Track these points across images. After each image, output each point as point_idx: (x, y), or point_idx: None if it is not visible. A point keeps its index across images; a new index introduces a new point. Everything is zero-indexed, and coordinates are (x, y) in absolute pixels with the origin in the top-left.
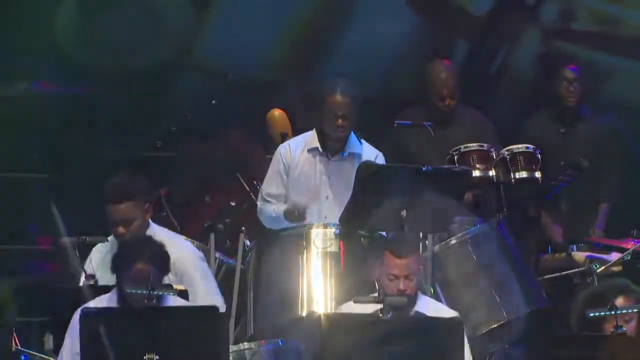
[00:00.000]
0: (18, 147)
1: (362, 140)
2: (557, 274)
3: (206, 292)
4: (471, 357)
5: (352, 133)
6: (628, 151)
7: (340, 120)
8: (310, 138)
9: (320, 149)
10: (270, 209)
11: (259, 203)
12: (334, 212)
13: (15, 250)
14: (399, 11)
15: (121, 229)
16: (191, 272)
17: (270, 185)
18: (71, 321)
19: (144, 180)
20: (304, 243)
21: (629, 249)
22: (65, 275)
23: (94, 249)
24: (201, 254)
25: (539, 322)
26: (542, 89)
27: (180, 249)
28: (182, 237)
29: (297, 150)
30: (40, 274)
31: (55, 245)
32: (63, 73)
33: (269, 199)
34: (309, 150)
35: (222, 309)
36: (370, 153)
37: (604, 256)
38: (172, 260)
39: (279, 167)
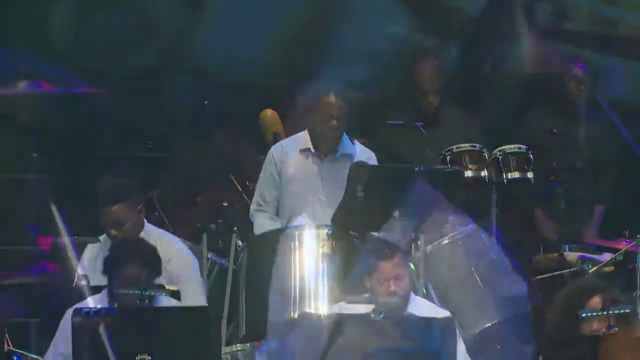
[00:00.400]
0: (18, 147)
1: (355, 142)
2: (549, 274)
3: (198, 294)
4: (467, 357)
5: (345, 134)
6: (627, 151)
7: (334, 122)
8: (302, 139)
9: (313, 150)
10: (262, 222)
11: (252, 208)
12: (327, 214)
13: (15, 250)
14: (393, 11)
15: (113, 232)
16: (187, 272)
17: (263, 190)
18: (61, 321)
19: (135, 181)
20: (297, 243)
21: (621, 249)
22: (65, 276)
23: (85, 249)
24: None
25: (532, 322)
26: (538, 88)
27: (177, 249)
28: (177, 238)
29: (290, 151)
30: (40, 274)
31: (55, 245)
32: (63, 73)
33: (262, 204)
34: (301, 151)
35: None
36: (363, 154)
37: (596, 257)
38: (168, 259)
39: (272, 168)
